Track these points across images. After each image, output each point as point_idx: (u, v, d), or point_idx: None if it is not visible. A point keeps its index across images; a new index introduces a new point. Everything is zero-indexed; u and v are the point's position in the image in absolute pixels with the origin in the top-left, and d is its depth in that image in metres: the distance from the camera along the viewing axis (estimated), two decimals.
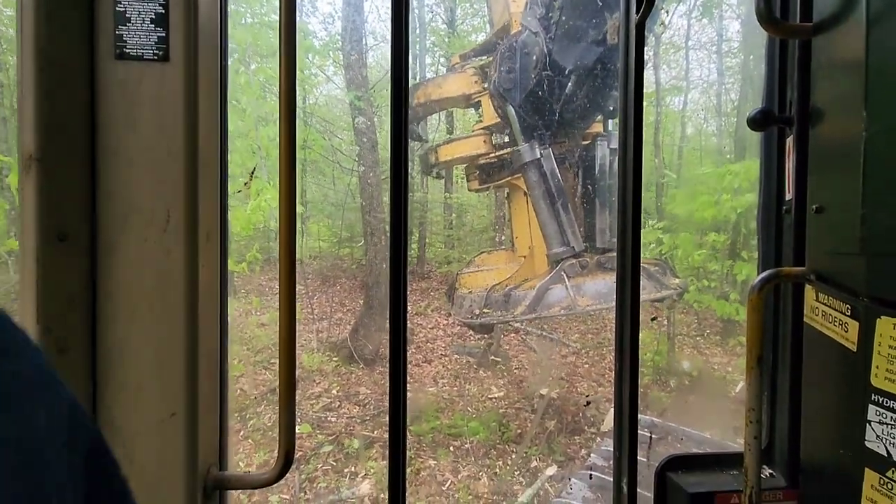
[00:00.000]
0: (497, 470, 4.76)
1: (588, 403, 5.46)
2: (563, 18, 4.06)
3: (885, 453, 0.71)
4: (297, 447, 1.05)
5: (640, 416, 1.18)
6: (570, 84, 4.11)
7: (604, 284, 4.21)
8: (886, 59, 0.70)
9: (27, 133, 0.87)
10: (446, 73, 6.01)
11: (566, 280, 4.17)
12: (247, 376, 6.14)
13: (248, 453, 5.00)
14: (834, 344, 0.82)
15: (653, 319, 6.11)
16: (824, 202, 0.85)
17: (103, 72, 0.95)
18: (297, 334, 0.98)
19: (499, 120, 4.87)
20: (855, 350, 0.76)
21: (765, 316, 0.93)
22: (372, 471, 4.80)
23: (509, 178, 4.79)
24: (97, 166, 0.94)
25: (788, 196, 1.01)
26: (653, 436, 3.72)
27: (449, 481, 4.65)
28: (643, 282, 3.82)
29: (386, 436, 5.13)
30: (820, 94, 0.89)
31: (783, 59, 1.03)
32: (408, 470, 4.77)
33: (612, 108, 4.50)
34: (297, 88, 1.00)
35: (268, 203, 6.04)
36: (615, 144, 4.15)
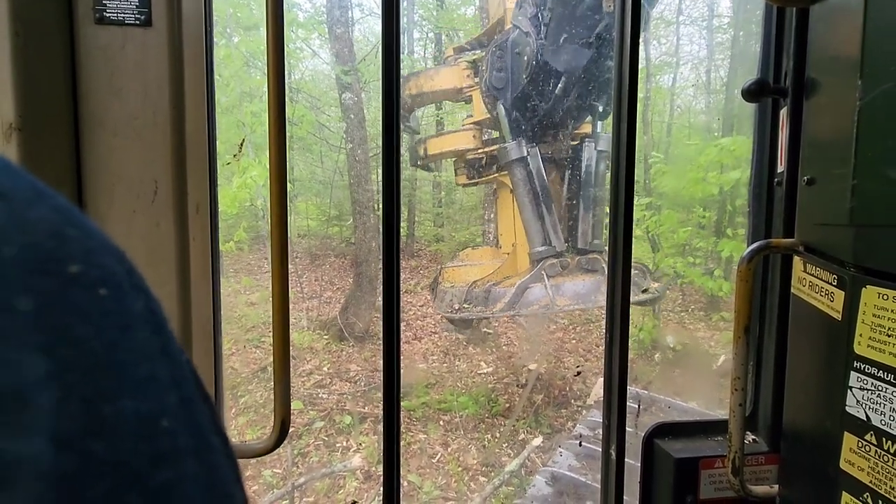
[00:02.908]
0: (486, 442, 4.88)
1: (578, 374, 5.57)
2: (553, 22, 3.98)
3: (864, 417, 0.74)
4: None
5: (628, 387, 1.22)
6: (560, 85, 4.06)
7: (583, 285, 4.25)
8: (884, 27, 0.70)
9: (5, 101, 0.83)
10: (439, 65, 6.07)
11: (546, 279, 4.20)
12: (237, 354, 6.14)
13: (241, 430, 5.04)
14: (819, 314, 0.84)
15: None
16: (816, 174, 0.86)
17: (83, 37, 0.91)
18: (290, 307, 0.98)
19: (489, 116, 4.82)
20: (840, 319, 0.78)
21: (753, 287, 0.94)
22: (363, 445, 4.89)
23: (496, 174, 4.79)
24: (81, 135, 0.91)
25: (780, 168, 1.02)
26: (640, 406, 3.84)
27: (439, 454, 4.77)
28: None
29: (377, 411, 5.22)
30: (816, 65, 0.89)
31: (780, 28, 1.01)
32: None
33: (601, 110, 4.46)
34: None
35: (254, 180, 5.94)
36: (603, 146, 4.25)
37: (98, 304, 0.19)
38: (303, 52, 9.18)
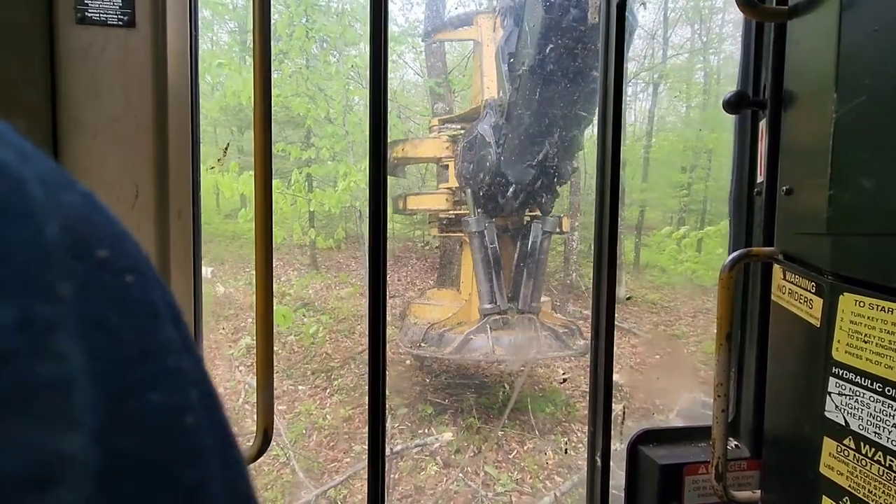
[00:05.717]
0: (562, 444, 4.83)
1: (564, 381, 5.92)
2: (507, 142, 4.87)
3: (843, 423, 0.73)
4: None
5: None
6: (511, 190, 5.10)
7: (517, 339, 5.12)
8: (857, 42, 0.70)
9: None
10: (424, 137, 7.11)
11: (489, 332, 5.09)
12: (330, 342, 6.76)
13: (335, 408, 5.58)
14: (799, 320, 0.82)
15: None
16: (794, 184, 0.86)
17: (63, 37, 0.87)
18: (274, 314, 0.95)
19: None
20: (818, 326, 0.77)
21: (735, 294, 0.93)
22: (443, 434, 5.10)
23: (463, 233, 5.72)
24: (59, 138, 0.88)
25: (760, 178, 1.01)
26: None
27: (515, 450, 4.81)
28: (551, 341, 4.98)
29: (456, 403, 5.38)
30: (793, 78, 0.88)
31: (759, 42, 1.01)
32: (476, 437, 4.99)
33: (543, 202, 5.45)
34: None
35: (356, 184, 6.58)
36: (548, 228, 5.42)
37: (126, 291, 0.18)
38: (394, 63, 9.72)
